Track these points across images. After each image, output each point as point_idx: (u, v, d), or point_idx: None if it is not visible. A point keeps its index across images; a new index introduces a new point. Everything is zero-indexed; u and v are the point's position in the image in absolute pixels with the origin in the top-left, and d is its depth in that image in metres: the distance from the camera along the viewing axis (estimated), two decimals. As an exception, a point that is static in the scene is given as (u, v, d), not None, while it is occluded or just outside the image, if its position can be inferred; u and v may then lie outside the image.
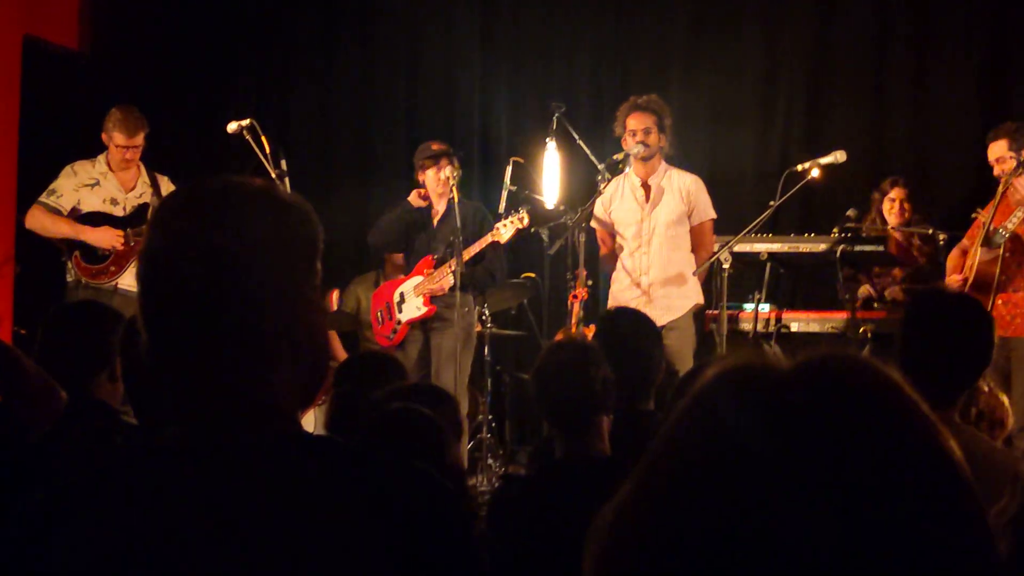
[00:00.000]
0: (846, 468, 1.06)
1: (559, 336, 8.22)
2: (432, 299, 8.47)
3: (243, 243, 1.79)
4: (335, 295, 10.01)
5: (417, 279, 8.57)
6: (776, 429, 1.08)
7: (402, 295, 8.62)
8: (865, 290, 8.64)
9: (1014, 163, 7.60)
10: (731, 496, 1.06)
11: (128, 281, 8.19)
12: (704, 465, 1.09)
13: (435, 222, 8.62)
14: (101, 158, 8.44)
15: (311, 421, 8.51)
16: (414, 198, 8.61)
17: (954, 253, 8.04)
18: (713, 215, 8.24)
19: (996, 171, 7.75)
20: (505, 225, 8.22)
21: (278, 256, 1.83)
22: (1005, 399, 4.75)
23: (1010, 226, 7.48)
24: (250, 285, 1.79)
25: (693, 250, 8.16)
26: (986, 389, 4.75)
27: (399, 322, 8.60)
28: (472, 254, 8.27)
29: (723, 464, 1.08)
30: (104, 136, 8.39)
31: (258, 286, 1.80)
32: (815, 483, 1.05)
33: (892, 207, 8.72)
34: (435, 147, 8.60)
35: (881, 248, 8.33)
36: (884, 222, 8.72)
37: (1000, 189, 7.59)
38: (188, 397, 1.82)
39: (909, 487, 1.07)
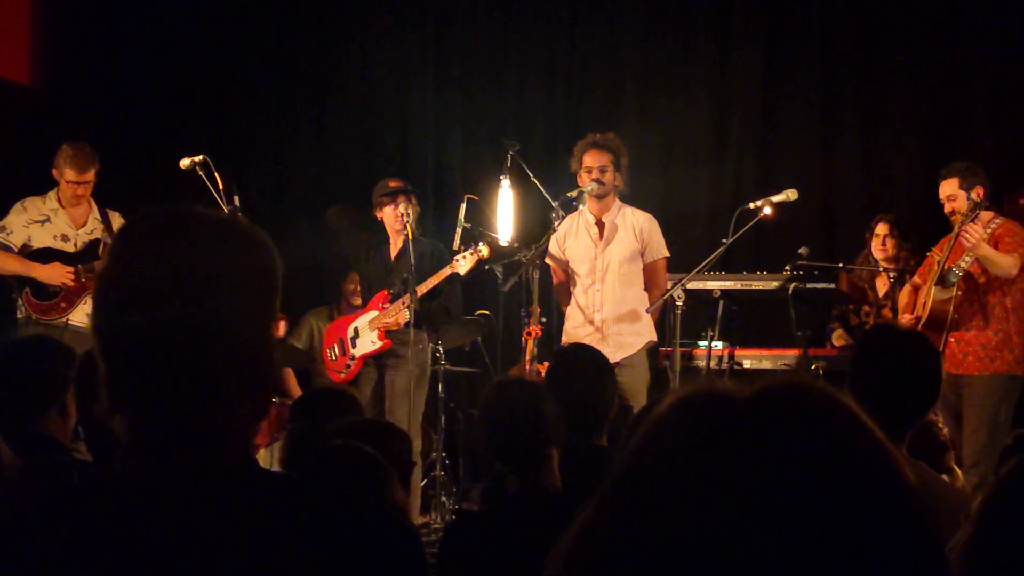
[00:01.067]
0: (804, 493, 1.06)
1: (514, 373, 8.23)
2: (387, 333, 8.46)
3: (208, 274, 1.78)
4: (282, 324, 9.96)
5: (372, 314, 8.56)
6: (734, 456, 1.08)
7: (356, 330, 8.60)
8: None
9: (965, 202, 7.67)
10: (691, 522, 1.06)
11: (79, 317, 8.14)
12: (663, 491, 1.10)
13: (392, 258, 8.62)
14: (52, 194, 8.38)
15: (263, 459, 8.47)
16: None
17: (906, 290, 8.10)
18: (666, 253, 8.25)
19: (947, 208, 7.83)
20: (464, 257, 8.22)
21: (242, 288, 1.81)
22: (944, 430, 4.80)
23: (963, 265, 7.54)
24: (214, 317, 1.78)
25: (646, 288, 8.16)
26: (945, 429, 4.80)
27: (353, 357, 8.58)
28: (430, 287, 8.27)
29: (683, 490, 1.08)
30: (55, 172, 8.34)
31: (222, 318, 1.78)
32: (775, 508, 1.05)
33: (877, 243, 8.77)
34: (392, 184, 8.61)
35: (832, 286, 8.38)
36: (875, 261, 8.77)
37: (955, 231, 7.65)
38: (145, 429, 1.80)
39: (867, 510, 1.08)
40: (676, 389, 1.20)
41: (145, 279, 1.78)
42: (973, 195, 7.68)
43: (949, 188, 7.83)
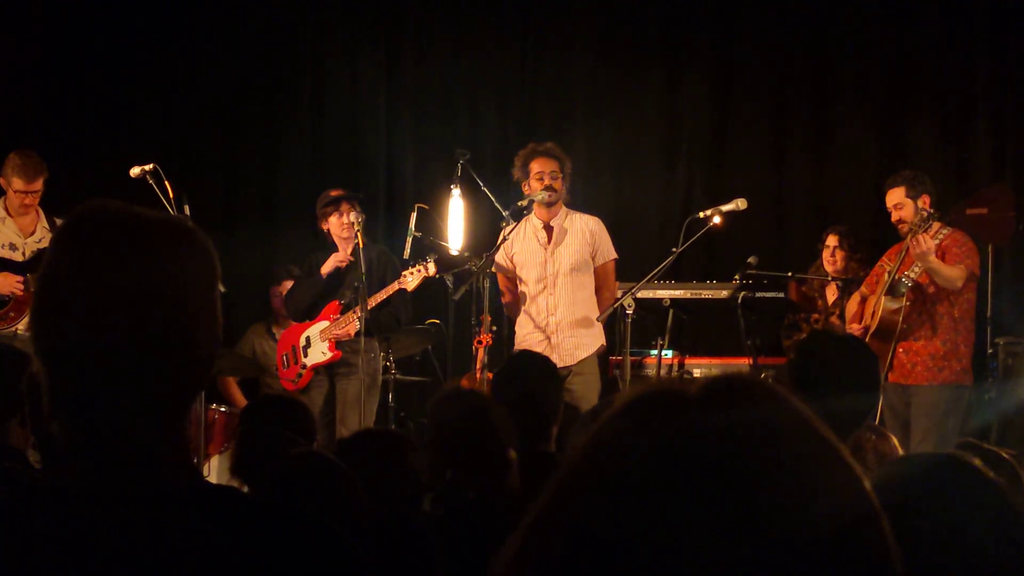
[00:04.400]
0: (754, 483, 1.07)
1: (464, 382, 8.23)
2: (337, 344, 8.45)
3: (150, 283, 1.73)
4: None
5: (323, 324, 8.55)
6: (682, 450, 1.09)
7: (308, 339, 8.59)
8: None
9: (912, 211, 7.74)
10: (642, 521, 1.07)
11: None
12: (614, 490, 1.10)
13: (342, 267, 8.62)
14: (-1, 203, 8.34)
15: (215, 467, 8.46)
16: (330, 264, 8.56)
17: (853, 300, 8.15)
18: (615, 255, 8.26)
19: (894, 217, 7.88)
20: (412, 273, 8.23)
21: (186, 296, 1.77)
22: (894, 440, 4.82)
23: (912, 275, 7.60)
24: (160, 327, 1.73)
25: (596, 291, 8.18)
26: (872, 437, 4.82)
27: (304, 366, 8.57)
28: (378, 301, 8.27)
29: (636, 488, 1.09)
30: (2, 181, 8.27)
31: (168, 328, 1.74)
32: (726, 497, 1.06)
33: (827, 254, 8.85)
34: (334, 193, 8.60)
35: (781, 295, 8.43)
36: (827, 272, 8.85)
37: (906, 241, 7.70)
38: (84, 440, 1.75)
39: (815, 502, 1.09)
40: (625, 388, 1.20)
41: (86, 288, 1.72)
42: (920, 204, 7.75)
43: (896, 197, 7.89)
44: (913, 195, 7.81)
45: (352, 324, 8.33)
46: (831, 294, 8.86)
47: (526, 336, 8.09)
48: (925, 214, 7.63)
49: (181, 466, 1.79)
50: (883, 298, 7.73)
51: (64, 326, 1.74)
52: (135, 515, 1.70)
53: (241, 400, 9.52)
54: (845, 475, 1.13)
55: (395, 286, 8.28)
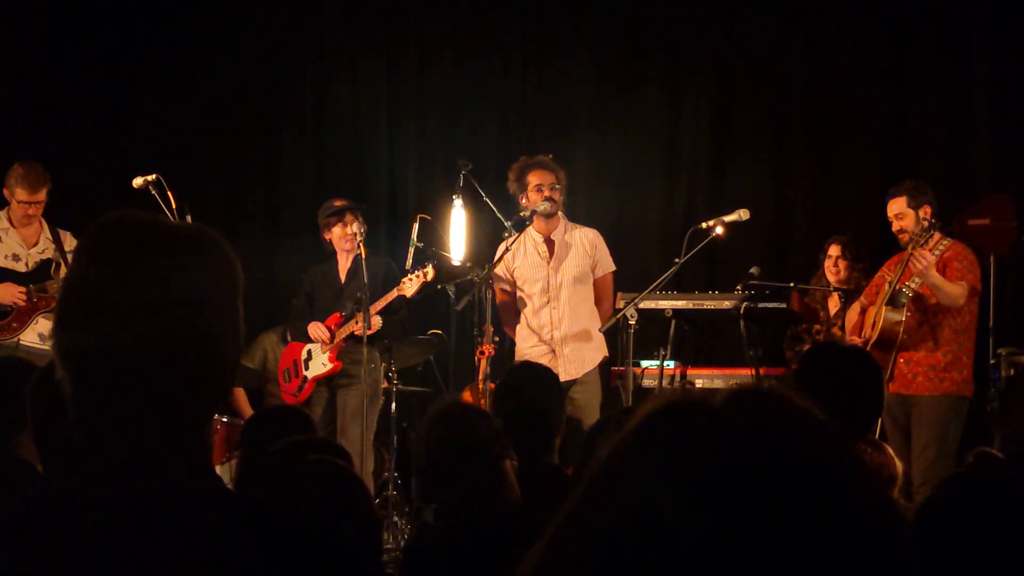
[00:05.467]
0: (782, 494, 1.08)
1: (466, 393, 8.24)
2: (338, 355, 8.45)
3: (179, 290, 1.75)
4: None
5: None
6: (712, 460, 1.10)
7: (309, 352, 8.59)
8: None
9: (913, 220, 7.75)
10: (669, 526, 1.07)
11: (30, 337, 8.09)
12: (643, 501, 1.10)
13: (343, 278, 8.61)
14: (2, 214, 8.34)
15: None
16: (312, 332, 8.63)
17: (853, 311, 8.15)
18: (614, 267, 8.34)
19: (895, 227, 7.89)
20: (411, 279, 8.23)
21: (213, 303, 1.79)
22: (890, 451, 4.82)
23: (913, 285, 7.60)
24: (188, 333, 1.75)
25: (596, 303, 8.21)
26: (868, 449, 4.81)
27: (305, 379, 8.57)
28: (379, 308, 8.26)
29: (663, 494, 1.09)
30: (6, 192, 8.30)
31: (196, 334, 1.76)
32: (756, 504, 1.07)
33: (829, 264, 8.85)
34: (337, 203, 8.60)
35: (784, 305, 8.42)
36: (828, 282, 8.85)
37: (908, 252, 7.70)
38: (109, 446, 1.76)
39: (844, 507, 1.10)
40: (651, 399, 1.20)
41: (109, 295, 1.74)
42: (921, 214, 7.76)
43: (897, 206, 7.90)
44: (914, 205, 7.83)
45: (358, 328, 8.29)
46: (833, 305, 8.85)
47: (529, 349, 8.11)
48: (926, 224, 7.63)
49: (202, 472, 1.81)
50: (884, 309, 7.73)
51: (87, 333, 1.74)
52: (154, 520, 1.71)
53: (247, 410, 9.52)
54: (868, 480, 1.14)
55: (394, 293, 8.28)
